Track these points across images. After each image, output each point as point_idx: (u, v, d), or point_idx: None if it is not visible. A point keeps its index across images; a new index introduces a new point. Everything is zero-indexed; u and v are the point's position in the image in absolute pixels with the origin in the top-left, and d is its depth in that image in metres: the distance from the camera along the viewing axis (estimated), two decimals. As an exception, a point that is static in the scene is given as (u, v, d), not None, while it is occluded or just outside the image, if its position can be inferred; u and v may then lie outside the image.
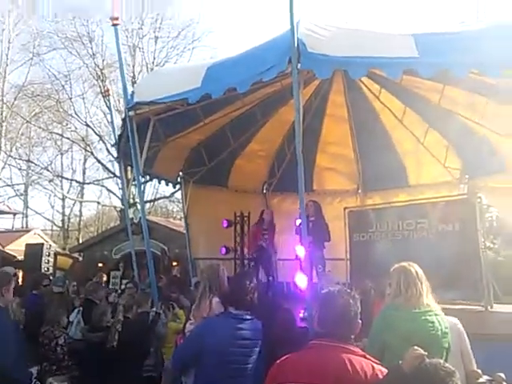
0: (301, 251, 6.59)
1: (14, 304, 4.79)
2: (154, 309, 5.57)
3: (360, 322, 2.32)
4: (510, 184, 7.76)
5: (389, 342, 2.97)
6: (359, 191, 10.28)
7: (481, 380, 2.90)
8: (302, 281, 6.69)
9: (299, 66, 4.77)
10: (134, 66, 23.50)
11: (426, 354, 2.17)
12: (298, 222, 7.46)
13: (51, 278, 8.83)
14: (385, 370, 2.16)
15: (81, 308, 5.96)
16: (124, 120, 6.79)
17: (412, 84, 7.07)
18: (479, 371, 3.04)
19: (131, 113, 6.31)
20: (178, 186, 9.82)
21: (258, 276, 7.83)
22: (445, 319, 3.14)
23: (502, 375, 3.00)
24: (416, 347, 2.22)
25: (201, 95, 5.39)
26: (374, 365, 2.18)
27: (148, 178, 9.75)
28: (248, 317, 3.18)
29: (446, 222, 7.12)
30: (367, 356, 2.22)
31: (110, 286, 12.20)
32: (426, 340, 2.88)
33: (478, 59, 4.51)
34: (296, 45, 4.73)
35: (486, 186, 8.35)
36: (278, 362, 2.37)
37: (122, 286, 10.07)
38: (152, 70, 22.51)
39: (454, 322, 3.34)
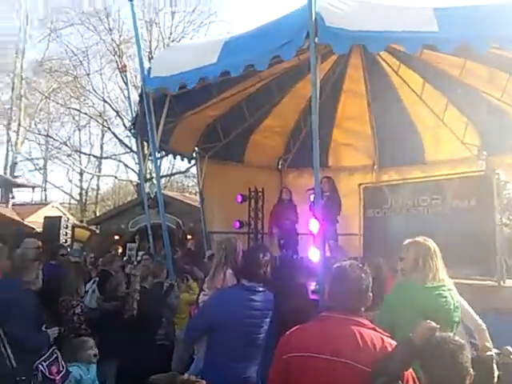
0: (314, 226, 6.64)
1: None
2: (169, 280, 5.70)
3: (371, 295, 2.36)
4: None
5: (402, 317, 3.01)
6: (375, 167, 10.21)
7: (489, 353, 2.94)
8: (315, 255, 6.76)
9: (317, 40, 4.73)
10: (150, 42, 23.39)
11: (438, 326, 2.21)
12: (312, 197, 7.51)
13: (68, 248, 9.04)
14: (394, 343, 2.20)
15: (96, 278, 6.13)
16: (141, 96, 6.83)
17: (432, 58, 6.93)
18: (488, 344, 3.09)
19: (148, 89, 6.35)
20: (193, 162, 9.87)
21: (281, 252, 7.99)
22: (457, 294, 3.18)
23: (510, 348, 3.05)
24: (428, 320, 2.26)
25: (219, 73, 5.39)
26: (384, 337, 2.22)
27: (164, 153, 9.82)
28: (260, 288, 3.26)
29: (462, 198, 7.07)
30: (377, 329, 2.26)
31: (126, 258, 12.45)
32: (439, 314, 2.93)
33: (498, 34, 4.42)
34: (314, 19, 4.68)
35: (504, 163, 8.25)
36: (288, 332, 2.42)
37: (138, 258, 10.28)
38: (168, 45, 22.37)
39: None
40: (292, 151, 10.33)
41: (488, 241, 6.52)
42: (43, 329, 3.80)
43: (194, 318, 3.67)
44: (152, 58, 20.84)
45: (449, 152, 9.24)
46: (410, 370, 2.15)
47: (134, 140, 19.83)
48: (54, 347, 3.74)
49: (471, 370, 1.96)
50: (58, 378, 3.51)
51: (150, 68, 6.59)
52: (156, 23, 23.84)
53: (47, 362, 3.51)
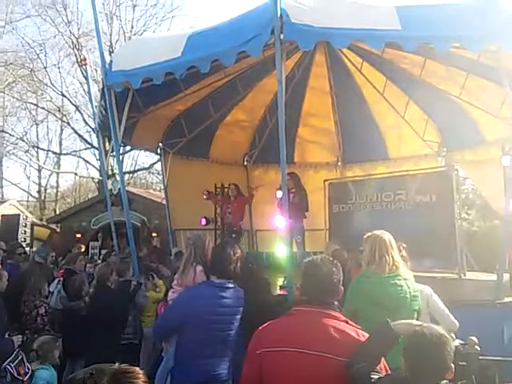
0: (280, 222, 6.66)
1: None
2: (136, 278, 5.60)
3: (342, 288, 2.39)
4: (486, 156, 7.94)
5: (360, 306, 3.17)
6: (339, 163, 10.37)
7: (454, 343, 3.03)
8: (281, 250, 6.79)
9: (282, 36, 4.73)
10: (111, 35, 22.88)
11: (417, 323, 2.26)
12: (279, 193, 7.53)
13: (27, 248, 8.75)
14: (367, 335, 2.23)
15: (61, 278, 5.96)
16: (102, 90, 6.65)
17: (394, 57, 7.09)
18: (452, 335, 3.18)
19: (109, 83, 6.19)
20: (157, 158, 9.73)
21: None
22: (414, 283, 3.29)
23: (475, 339, 3.16)
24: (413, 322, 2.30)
25: (186, 68, 5.31)
26: (358, 330, 2.24)
27: (127, 148, 9.64)
28: (230, 285, 3.24)
29: (423, 194, 7.28)
30: (349, 322, 2.28)
31: (89, 256, 12.16)
32: (395, 303, 3.09)
33: (459, 33, 4.55)
34: (279, 15, 4.68)
35: (463, 159, 8.54)
36: (260, 328, 2.41)
37: (101, 256, 10.07)
38: (130, 38, 21.94)
39: (421, 288, 3.51)
40: (258, 147, 10.33)
41: (448, 235, 6.74)
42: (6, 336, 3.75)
43: (164, 314, 3.61)
44: (113, 51, 20.41)
45: (411, 149, 9.48)
46: (383, 360, 2.18)
47: (94, 135, 19.44)
48: (18, 349, 3.68)
49: (452, 364, 1.99)
50: (25, 378, 3.49)
51: (111, 61, 6.41)
52: (117, 16, 23.36)
53: (15, 363, 3.46)
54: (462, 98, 7.39)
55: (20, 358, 3.57)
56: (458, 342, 3.14)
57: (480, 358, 3.06)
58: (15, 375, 3.43)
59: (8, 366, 3.43)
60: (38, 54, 23.03)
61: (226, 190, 9.32)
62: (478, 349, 3.19)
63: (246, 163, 10.68)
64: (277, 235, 7.45)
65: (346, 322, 2.26)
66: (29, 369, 3.61)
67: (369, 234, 3.43)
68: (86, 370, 3.68)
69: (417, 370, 1.98)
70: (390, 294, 3.15)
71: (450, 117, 7.96)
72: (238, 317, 3.26)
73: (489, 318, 4.47)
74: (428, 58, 6.77)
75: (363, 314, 3.05)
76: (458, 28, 4.51)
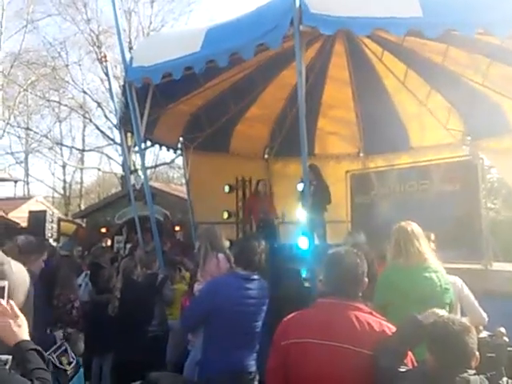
0: (302, 215, 6.67)
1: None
2: (161, 271, 5.68)
3: (366, 280, 2.38)
4: (512, 145, 7.77)
5: (390, 301, 3.09)
6: (361, 154, 10.27)
7: (481, 335, 3.00)
8: (303, 243, 6.80)
9: (301, 27, 4.70)
10: (130, 31, 23.06)
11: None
12: (300, 186, 7.52)
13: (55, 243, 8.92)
14: (392, 327, 2.22)
15: (88, 272, 6.08)
16: (123, 87, 6.72)
17: (415, 45, 6.96)
18: (480, 327, 3.14)
19: (130, 79, 6.25)
20: (178, 152, 9.79)
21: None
22: (445, 275, 3.22)
23: (503, 330, 3.11)
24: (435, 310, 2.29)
25: (205, 63, 5.32)
26: (382, 321, 2.24)
27: (149, 144, 9.72)
28: (255, 277, 3.26)
29: (447, 184, 7.15)
30: (374, 313, 2.28)
31: (115, 250, 12.37)
32: (426, 296, 3.01)
33: (483, 19, 4.44)
34: (298, 5, 4.65)
35: (488, 148, 8.36)
36: (285, 319, 2.43)
37: (127, 251, 10.23)
38: (148, 34, 22.10)
39: (451, 280, 3.43)
40: (278, 140, 10.30)
41: (474, 225, 6.62)
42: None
43: (191, 306, 3.66)
44: (132, 47, 20.56)
45: (433, 138, 9.31)
46: (410, 353, 2.18)
47: (116, 131, 19.64)
48: (63, 340, 3.72)
49: (477, 352, 1.98)
50: (69, 368, 3.48)
51: (131, 58, 6.48)
52: (135, 12, 23.51)
53: (57, 353, 3.49)
54: (485, 84, 7.23)
55: (63, 348, 3.59)
56: (485, 333, 3.11)
57: (509, 349, 3.01)
58: (57, 364, 3.44)
59: (50, 356, 3.45)
60: (59, 53, 23.42)
61: (246, 183, 9.35)
62: (507, 340, 3.14)
63: (266, 156, 10.66)
64: (299, 227, 7.44)
65: (371, 314, 2.26)
66: (73, 358, 3.61)
67: (395, 226, 3.38)
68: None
69: (443, 360, 1.98)
70: (419, 287, 3.08)
71: (473, 105, 7.79)
72: (264, 308, 3.28)
73: (516, 309, 4.39)
74: (450, 45, 6.63)
75: (392, 308, 2.99)
76: (482, 13, 4.40)
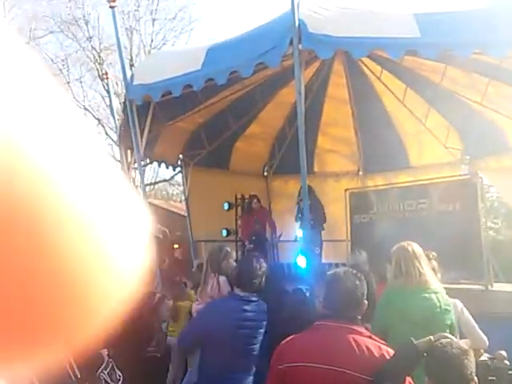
0: (300, 233, 6.65)
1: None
2: (159, 291, 5.61)
3: (366, 302, 2.34)
4: (511, 164, 7.78)
5: (390, 322, 3.04)
6: (360, 173, 10.28)
7: (482, 358, 2.95)
8: (302, 262, 6.76)
9: (300, 46, 4.74)
10: (131, 49, 23.26)
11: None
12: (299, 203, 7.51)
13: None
14: (391, 351, 2.18)
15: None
16: (124, 104, 6.76)
17: (413, 65, 7.03)
18: (481, 350, 3.10)
19: (131, 97, 6.29)
20: (178, 169, 9.80)
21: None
22: (445, 297, 3.18)
23: (504, 353, 3.06)
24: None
25: (204, 81, 5.37)
26: (381, 345, 2.20)
27: (148, 161, 9.73)
28: (254, 298, 3.22)
29: (447, 203, 7.13)
30: (373, 337, 2.24)
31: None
32: (426, 318, 2.96)
33: (480, 39, 4.48)
34: (297, 25, 4.70)
35: (487, 167, 8.37)
36: (283, 342, 2.39)
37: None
38: (149, 52, 22.31)
39: (452, 302, 3.39)
40: (277, 158, 10.33)
41: (474, 245, 6.57)
42: None
43: (187, 328, 3.61)
44: (133, 65, 20.73)
45: (432, 156, 9.34)
46: (409, 379, 2.14)
47: (116, 148, 19.71)
48: (108, 358, 3.69)
49: (475, 375, 1.95)
50: None
51: (132, 75, 6.54)
52: (137, 30, 23.76)
53: (107, 370, 3.48)
54: (484, 104, 7.27)
55: (111, 365, 3.58)
56: (486, 356, 3.06)
57: (510, 372, 2.95)
58: (109, 381, 3.44)
59: (102, 374, 3.45)
60: (60, 70, 23.53)
61: (246, 200, 9.32)
62: (508, 363, 3.09)
63: (265, 174, 10.66)
64: (297, 246, 7.40)
65: (370, 338, 2.22)
66: (120, 376, 3.61)
67: (395, 246, 3.35)
68: None
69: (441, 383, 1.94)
70: (419, 309, 3.04)
71: (472, 124, 7.83)
72: (262, 331, 3.23)
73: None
74: (448, 64, 6.69)
75: (393, 331, 2.95)
76: (478, 33, 4.45)
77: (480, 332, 3.32)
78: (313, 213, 7.32)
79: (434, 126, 8.82)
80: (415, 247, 3.26)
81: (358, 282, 2.32)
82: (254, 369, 3.20)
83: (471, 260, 6.52)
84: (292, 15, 4.68)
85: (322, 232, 7.82)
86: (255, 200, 8.74)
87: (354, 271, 2.41)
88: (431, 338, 2.18)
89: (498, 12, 4.55)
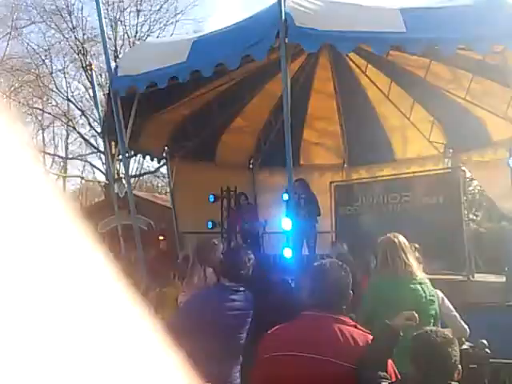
0: (287, 224, 6.70)
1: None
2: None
3: (351, 293, 2.38)
4: (493, 157, 7.91)
5: (377, 313, 3.09)
6: (345, 166, 10.36)
7: (463, 347, 3.02)
8: (288, 253, 6.82)
9: (287, 40, 4.75)
10: (115, 40, 22.96)
11: (416, 315, 2.26)
12: (285, 196, 7.54)
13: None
14: None
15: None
16: (108, 95, 6.70)
17: (398, 59, 7.09)
18: (462, 339, 3.16)
19: (115, 88, 6.23)
20: (163, 161, 9.75)
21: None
22: (430, 287, 3.25)
23: (485, 341, 3.14)
24: (405, 312, 2.31)
25: (190, 73, 5.34)
26: (366, 334, 2.24)
27: (132, 153, 9.66)
28: (241, 288, 3.24)
29: (430, 195, 7.24)
30: (358, 326, 2.28)
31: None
32: (412, 308, 3.01)
33: (464, 35, 4.54)
34: (283, 19, 4.70)
35: (469, 160, 8.50)
36: (269, 332, 2.41)
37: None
38: (134, 43, 22.06)
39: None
40: (263, 150, 10.33)
41: (456, 237, 6.70)
42: None
43: (174, 318, 3.60)
44: (117, 56, 20.50)
45: (416, 150, 9.46)
46: (392, 363, 2.18)
47: (100, 139, 19.54)
48: None
49: (459, 364, 1.99)
50: None
51: (116, 66, 6.48)
52: (121, 21, 23.46)
53: None
54: (467, 99, 7.37)
55: None
56: (467, 344, 3.13)
57: (491, 361, 3.03)
58: None
59: None
60: (43, 60, 23.19)
61: (231, 193, 9.34)
62: (488, 352, 3.17)
63: (251, 166, 10.67)
64: (283, 238, 7.45)
65: (355, 327, 2.25)
66: None
67: (382, 237, 3.41)
68: None
69: (427, 371, 1.98)
70: (405, 299, 3.09)
71: (455, 118, 7.95)
72: (249, 320, 3.26)
73: (498, 320, 4.44)
74: (433, 59, 6.76)
75: (379, 321, 3.01)
76: (463, 29, 4.51)
77: (461, 321, 3.40)
78: (309, 206, 7.46)
79: (418, 120, 8.92)
80: (401, 239, 3.32)
81: (343, 273, 2.35)
82: (240, 358, 3.23)
83: (453, 251, 6.64)
84: (278, 8, 4.68)
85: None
86: (243, 197, 8.79)
87: (340, 262, 2.45)
88: (403, 314, 2.22)
89: (483, 8, 4.61)
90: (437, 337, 2.01)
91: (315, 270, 2.45)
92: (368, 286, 3.45)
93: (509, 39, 4.48)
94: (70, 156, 28.02)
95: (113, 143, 8.94)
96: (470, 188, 10.29)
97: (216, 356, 3.11)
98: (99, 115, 8.18)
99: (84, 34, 22.60)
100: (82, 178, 28.76)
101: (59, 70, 23.78)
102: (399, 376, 2.18)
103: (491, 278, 6.53)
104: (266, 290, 3.75)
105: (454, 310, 3.44)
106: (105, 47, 7.19)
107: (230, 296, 3.18)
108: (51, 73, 23.44)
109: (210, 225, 9.20)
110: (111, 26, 22.91)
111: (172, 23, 24.07)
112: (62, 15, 22.44)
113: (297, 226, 6.80)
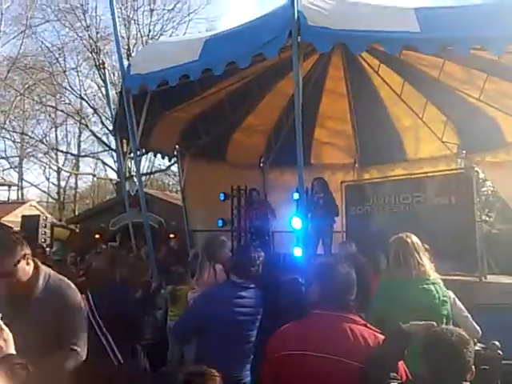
0: (297, 223, 6.69)
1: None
2: (155, 280, 5.64)
3: (356, 289, 2.36)
4: (507, 158, 7.83)
5: (388, 313, 3.06)
6: (356, 165, 10.31)
7: (475, 348, 2.98)
8: (298, 252, 6.82)
9: (299, 39, 4.73)
10: (128, 39, 23.13)
11: (434, 324, 2.23)
12: (296, 195, 7.54)
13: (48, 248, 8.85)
14: None
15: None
16: (120, 93, 6.74)
17: (411, 59, 7.03)
18: (474, 340, 3.13)
19: (128, 86, 6.27)
20: (174, 160, 9.79)
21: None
22: (443, 288, 3.23)
23: (497, 343, 3.11)
24: (423, 321, 2.27)
25: (201, 71, 5.35)
26: (377, 334, 2.22)
27: (144, 151, 9.71)
28: (251, 285, 3.24)
29: (442, 196, 7.16)
30: (368, 325, 2.26)
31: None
32: (425, 308, 2.99)
33: (479, 35, 4.48)
34: (296, 18, 4.69)
35: (482, 161, 8.42)
36: (279, 330, 2.41)
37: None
38: (147, 42, 22.20)
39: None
40: (274, 149, 10.33)
41: (469, 237, 6.62)
42: None
43: (184, 315, 3.61)
44: (130, 55, 20.64)
45: (429, 150, 9.39)
46: (402, 363, 2.16)
47: (112, 137, 19.67)
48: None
49: (473, 365, 1.96)
50: None
51: (129, 65, 6.52)
52: (134, 20, 23.62)
53: None
54: (481, 99, 7.29)
55: None
56: (479, 345, 3.10)
57: (503, 362, 3.00)
58: None
59: None
60: (57, 58, 23.48)
61: (241, 191, 9.36)
62: (501, 353, 3.13)
63: (262, 165, 10.67)
64: (293, 237, 7.45)
65: (365, 326, 2.24)
66: None
67: (394, 237, 3.39)
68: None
69: (439, 371, 1.96)
70: (418, 299, 3.08)
71: (469, 118, 7.87)
72: (259, 317, 3.26)
73: (510, 321, 4.39)
74: (447, 59, 6.69)
75: (391, 321, 2.97)
76: (478, 29, 4.45)
77: (472, 322, 3.38)
78: (328, 206, 7.49)
79: (431, 120, 8.84)
80: (414, 239, 3.30)
81: (348, 270, 2.35)
82: (251, 356, 3.23)
83: (466, 252, 6.57)
84: (291, 7, 4.68)
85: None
86: (255, 193, 8.83)
87: (343, 259, 2.44)
88: (423, 324, 2.21)
89: (498, 8, 4.55)
90: (452, 336, 1.98)
91: (321, 268, 2.45)
92: (379, 285, 3.43)
93: (524, 39, 4.42)
94: (83, 154, 28.31)
95: (124, 141, 9.01)
96: (483, 189, 10.20)
97: (225, 353, 3.12)
98: (111, 113, 8.23)
99: (97, 33, 22.83)
100: (94, 175, 29.04)
101: (72, 69, 24.10)
102: (410, 376, 2.17)
103: (504, 279, 6.46)
104: (275, 288, 3.76)
105: (465, 310, 3.41)
106: (118, 46, 7.24)
107: (240, 293, 3.18)
108: (64, 71, 23.71)
109: (220, 223, 9.24)
110: (124, 25, 23.10)
111: (185, 22, 24.26)
112: (76, 14, 22.69)
113: (313, 225, 6.87)
